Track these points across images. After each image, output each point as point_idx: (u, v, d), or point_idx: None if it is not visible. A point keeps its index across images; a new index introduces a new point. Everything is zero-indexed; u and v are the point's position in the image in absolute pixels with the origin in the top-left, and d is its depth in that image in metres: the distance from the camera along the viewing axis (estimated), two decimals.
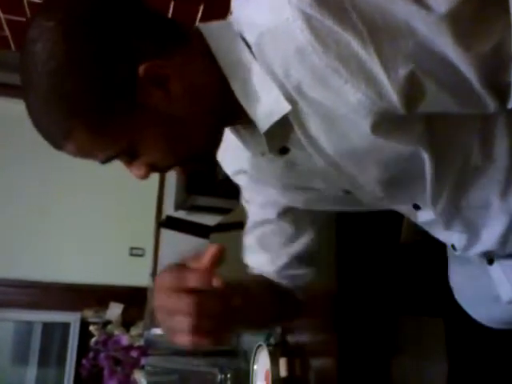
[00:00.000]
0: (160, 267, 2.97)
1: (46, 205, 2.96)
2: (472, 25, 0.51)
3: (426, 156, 0.62)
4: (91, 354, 2.59)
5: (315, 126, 0.61)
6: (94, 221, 2.99)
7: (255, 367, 1.24)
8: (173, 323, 0.62)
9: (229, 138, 0.74)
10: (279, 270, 0.89)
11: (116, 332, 2.65)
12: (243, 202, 0.92)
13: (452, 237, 0.77)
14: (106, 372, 2.50)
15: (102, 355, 2.53)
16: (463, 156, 0.65)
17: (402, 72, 0.53)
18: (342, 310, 1.06)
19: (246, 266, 0.94)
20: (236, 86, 0.64)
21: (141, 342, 2.49)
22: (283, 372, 1.13)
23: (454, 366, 1.04)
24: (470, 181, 0.67)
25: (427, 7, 0.51)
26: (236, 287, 0.72)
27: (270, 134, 0.64)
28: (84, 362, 2.61)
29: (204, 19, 2.20)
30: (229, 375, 1.39)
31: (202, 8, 2.15)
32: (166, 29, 0.65)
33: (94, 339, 2.64)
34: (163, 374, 1.86)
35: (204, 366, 1.52)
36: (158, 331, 1.86)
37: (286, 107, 0.60)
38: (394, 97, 0.54)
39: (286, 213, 0.86)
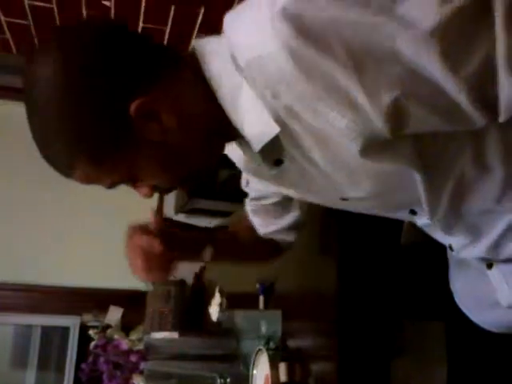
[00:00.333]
0: None
1: (46, 209, 2.96)
2: (458, 41, 0.50)
3: (416, 175, 0.63)
4: (90, 358, 2.58)
5: (309, 144, 0.62)
6: (94, 225, 2.98)
7: (255, 372, 1.23)
8: (132, 263, 0.84)
9: None
10: (267, 235, 1.02)
11: (115, 336, 2.64)
12: (243, 184, 0.98)
13: (450, 237, 0.77)
14: (105, 376, 2.50)
15: (102, 359, 2.53)
16: (456, 168, 0.65)
17: (387, 99, 0.53)
18: (343, 314, 1.06)
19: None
20: (229, 108, 0.66)
21: (140, 347, 2.48)
22: (283, 377, 1.11)
23: (454, 369, 1.04)
24: (467, 190, 0.67)
25: (411, 26, 0.50)
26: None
27: (265, 151, 0.66)
28: (83, 366, 2.60)
29: (204, 22, 2.20)
30: (228, 380, 1.38)
31: (202, 11, 2.15)
32: (158, 59, 0.67)
33: (93, 343, 2.63)
34: (162, 378, 1.85)
35: (203, 370, 1.51)
36: (157, 335, 1.86)
37: (275, 129, 0.62)
38: (379, 124, 0.54)
39: (280, 196, 0.95)
